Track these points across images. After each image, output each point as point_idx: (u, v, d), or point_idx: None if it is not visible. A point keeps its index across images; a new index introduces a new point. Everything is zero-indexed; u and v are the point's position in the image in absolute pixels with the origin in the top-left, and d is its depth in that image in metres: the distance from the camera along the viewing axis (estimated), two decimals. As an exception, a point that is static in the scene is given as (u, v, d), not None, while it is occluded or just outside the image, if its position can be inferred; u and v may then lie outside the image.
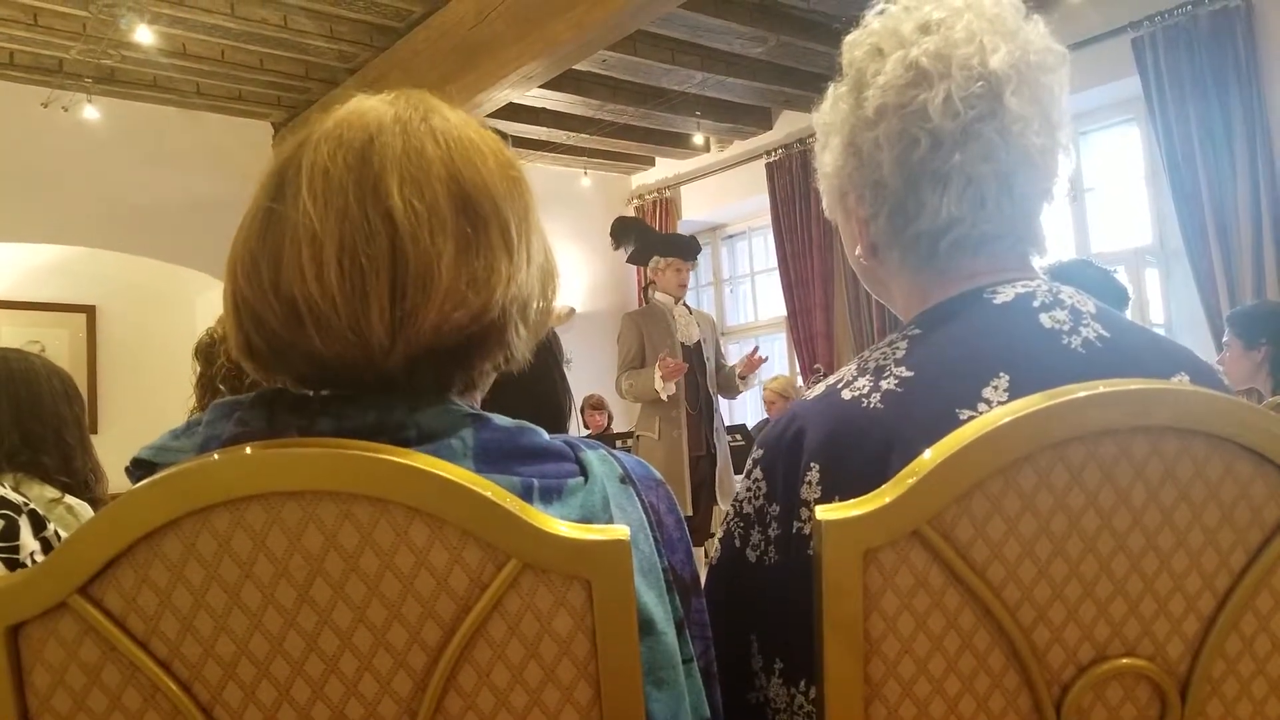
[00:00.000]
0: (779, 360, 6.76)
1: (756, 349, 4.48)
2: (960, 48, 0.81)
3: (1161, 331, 4.63)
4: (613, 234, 4.68)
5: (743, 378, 4.42)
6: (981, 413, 0.73)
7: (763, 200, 6.29)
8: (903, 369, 0.79)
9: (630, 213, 7.14)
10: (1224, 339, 3.28)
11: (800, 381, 6.01)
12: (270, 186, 0.70)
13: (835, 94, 0.90)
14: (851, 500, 0.60)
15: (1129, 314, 2.95)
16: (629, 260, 4.71)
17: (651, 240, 4.56)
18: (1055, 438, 0.60)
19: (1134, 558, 0.62)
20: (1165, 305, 4.80)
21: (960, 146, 0.81)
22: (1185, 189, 4.37)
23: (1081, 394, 0.60)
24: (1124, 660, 0.62)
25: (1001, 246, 0.85)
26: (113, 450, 2.30)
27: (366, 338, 0.65)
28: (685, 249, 4.45)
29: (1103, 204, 5.10)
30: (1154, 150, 4.57)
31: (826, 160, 0.91)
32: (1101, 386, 0.61)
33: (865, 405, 0.77)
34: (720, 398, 4.49)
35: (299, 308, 0.65)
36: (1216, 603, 0.63)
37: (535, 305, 0.75)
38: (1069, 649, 0.61)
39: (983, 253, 0.85)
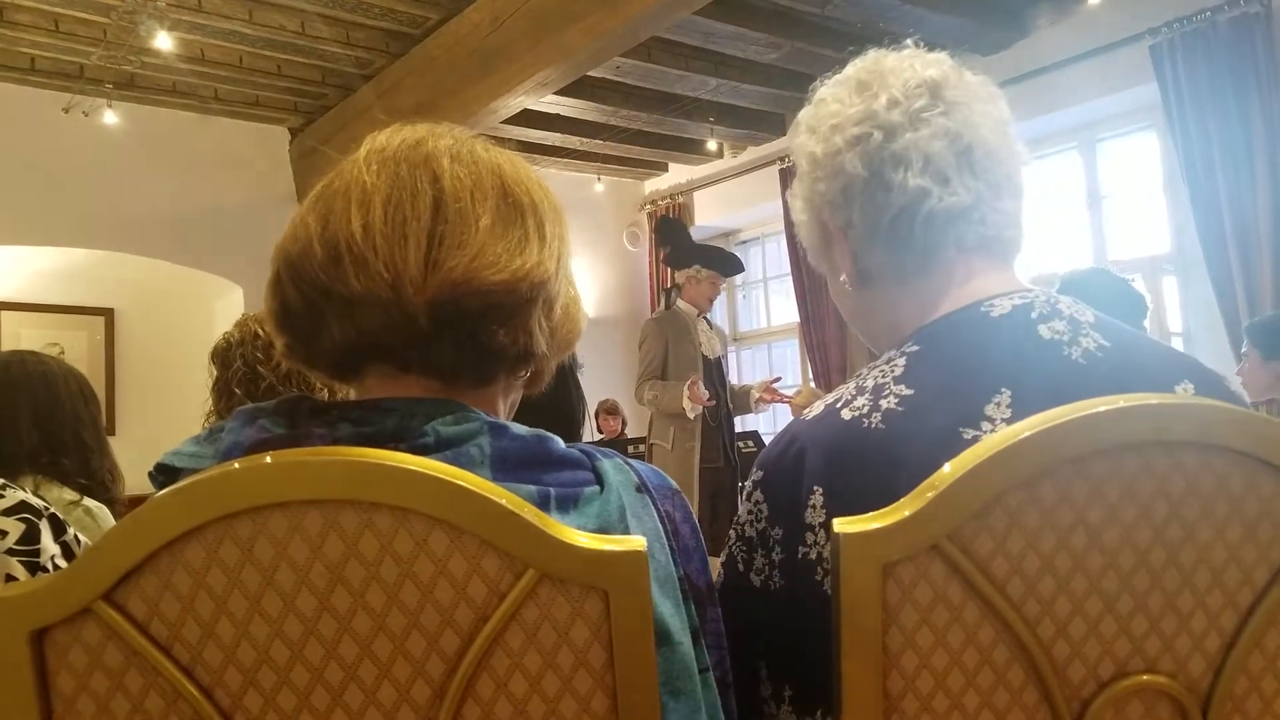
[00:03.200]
0: (792, 368, 6.75)
1: (779, 379, 4.47)
2: (893, 74, 0.88)
3: (1179, 341, 4.60)
4: (657, 230, 4.70)
5: (760, 402, 4.41)
6: (985, 431, 0.73)
7: (776, 206, 6.28)
8: (902, 387, 0.78)
9: (643, 219, 7.15)
10: (1243, 350, 3.25)
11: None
12: (329, 176, 0.75)
13: (797, 182, 0.96)
14: (870, 513, 0.60)
15: (1147, 323, 2.93)
16: (665, 260, 4.72)
17: (697, 247, 4.57)
18: (1075, 452, 0.60)
19: (1155, 573, 0.61)
20: (1183, 314, 4.76)
21: (910, 129, 0.85)
22: (1204, 196, 4.34)
23: (1102, 409, 0.60)
24: (1145, 677, 0.62)
25: (975, 220, 0.86)
26: (131, 452, 2.32)
27: (399, 273, 0.68)
28: (728, 265, 4.46)
29: (1120, 211, 5.07)
30: (1172, 157, 4.54)
31: (799, 207, 0.96)
32: (1122, 401, 0.60)
33: (866, 425, 0.77)
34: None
35: (340, 249, 0.69)
36: (1239, 619, 0.62)
37: (558, 311, 0.76)
38: (1089, 665, 0.61)
39: (953, 229, 0.86)
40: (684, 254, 4.46)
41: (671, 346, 4.27)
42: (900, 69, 0.88)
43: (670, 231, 4.78)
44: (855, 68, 0.92)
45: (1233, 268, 4.27)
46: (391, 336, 0.70)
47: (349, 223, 0.70)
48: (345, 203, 0.71)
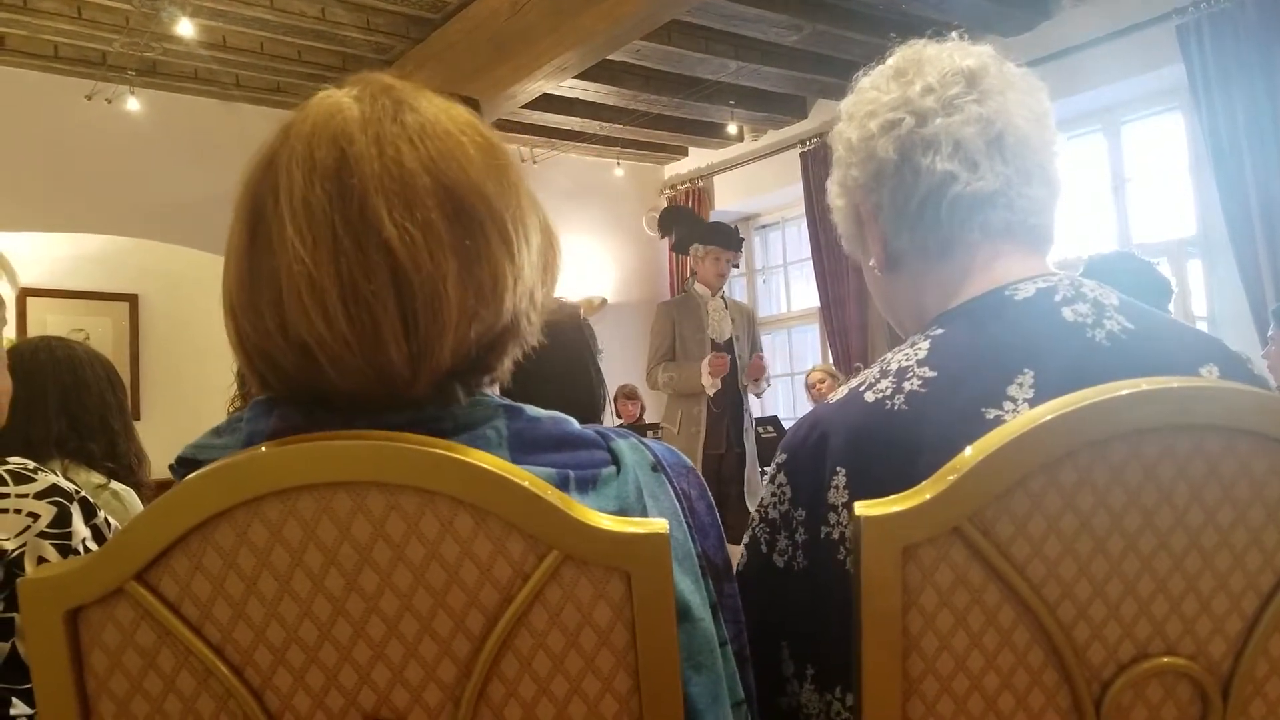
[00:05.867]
0: (813, 353, 6.73)
1: (759, 355, 4.41)
2: (930, 62, 0.89)
3: (1205, 325, 4.55)
4: (660, 222, 4.68)
5: (755, 380, 4.37)
6: (1007, 410, 0.73)
7: (797, 190, 6.25)
8: (925, 369, 0.78)
9: (663, 203, 7.14)
10: (1269, 333, 3.22)
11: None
12: (249, 220, 0.66)
13: (834, 167, 0.97)
14: (891, 496, 0.60)
15: (1172, 307, 2.91)
16: (672, 248, 4.71)
17: (693, 228, 4.55)
18: (1097, 436, 0.60)
19: (1176, 556, 0.61)
20: (1208, 298, 4.71)
21: (942, 115, 0.86)
22: (1230, 179, 4.28)
23: (1124, 392, 0.60)
24: (1165, 659, 0.62)
25: (1002, 205, 0.86)
26: (155, 436, 2.35)
27: (387, 373, 0.64)
28: (725, 238, 4.41)
29: (1145, 194, 5.01)
30: (1198, 139, 4.48)
31: (835, 192, 0.97)
32: (1144, 384, 0.60)
33: (889, 407, 0.77)
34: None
35: (312, 350, 0.63)
36: (1260, 602, 0.62)
37: (539, 289, 0.74)
38: (1109, 647, 0.61)
39: (979, 214, 0.86)
40: (684, 237, 4.45)
41: (679, 330, 4.29)
42: (939, 58, 0.89)
43: (672, 219, 4.74)
44: (896, 56, 0.93)
45: (1259, 251, 4.22)
46: (395, 401, 0.66)
47: (310, 324, 0.62)
48: (296, 297, 0.62)
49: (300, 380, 0.66)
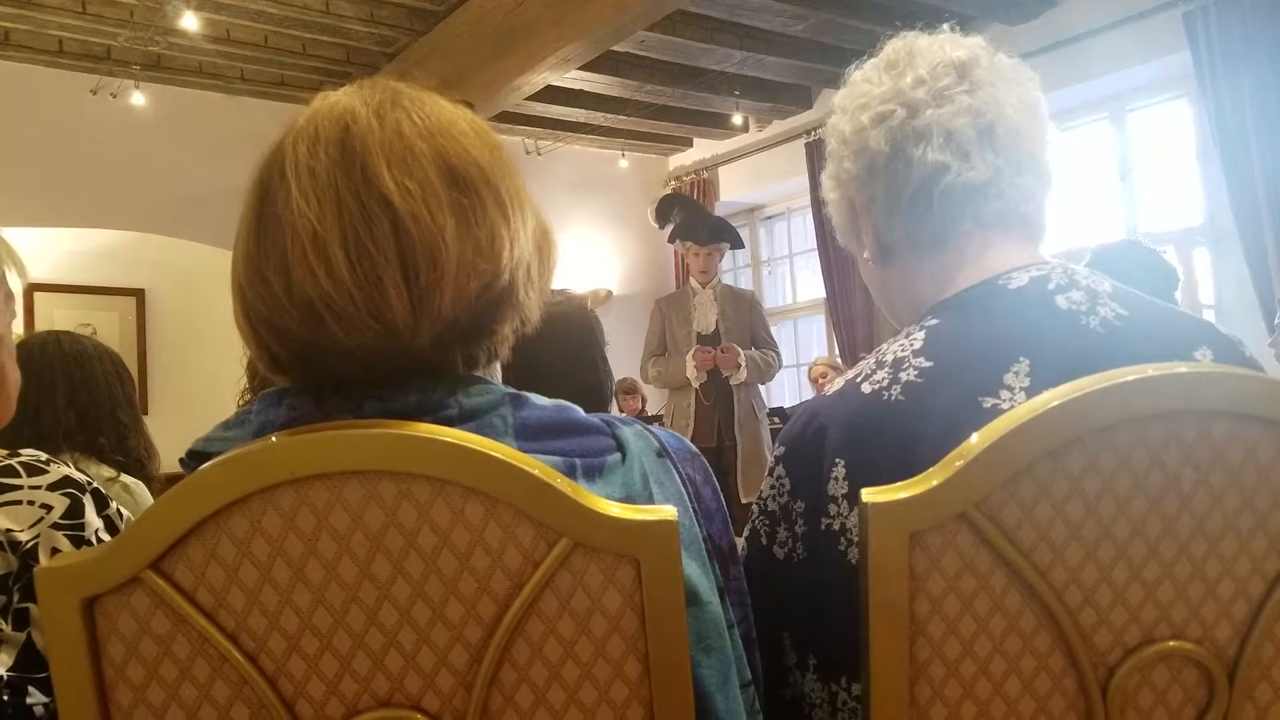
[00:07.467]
0: (819, 344, 6.72)
1: (722, 346, 4.27)
2: (922, 54, 0.89)
3: (1212, 313, 4.54)
4: (657, 211, 4.64)
5: (733, 369, 4.30)
6: (1004, 399, 0.74)
7: (802, 181, 6.24)
8: (921, 359, 0.79)
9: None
10: (1275, 320, 3.21)
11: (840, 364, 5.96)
12: (257, 197, 0.69)
13: (828, 161, 0.97)
14: (898, 483, 0.60)
15: (1179, 295, 2.90)
16: (669, 240, 4.67)
17: (679, 222, 4.49)
18: (1103, 421, 0.60)
19: (1182, 541, 0.62)
20: (1215, 286, 4.69)
21: (933, 106, 0.87)
22: (1237, 166, 4.26)
23: (1130, 377, 0.60)
24: (1171, 643, 0.62)
25: (993, 195, 0.86)
26: (163, 430, 2.36)
27: (390, 322, 0.65)
28: (692, 231, 4.29)
29: (1151, 183, 4.99)
30: (1205, 127, 4.46)
31: (829, 186, 0.97)
32: (1150, 370, 0.61)
33: (886, 398, 0.78)
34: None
35: (316, 307, 0.65)
36: (1267, 586, 0.63)
37: (536, 267, 0.75)
38: (1116, 631, 0.62)
39: (971, 204, 0.86)
40: (672, 231, 4.42)
41: (669, 324, 4.32)
42: (930, 50, 0.89)
43: (669, 207, 4.67)
44: (887, 49, 0.93)
45: (1266, 239, 4.20)
46: (397, 365, 0.68)
47: (315, 280, 0.65)
48: (301, 254, 0.65)
49: (307, 343, 0.67)
